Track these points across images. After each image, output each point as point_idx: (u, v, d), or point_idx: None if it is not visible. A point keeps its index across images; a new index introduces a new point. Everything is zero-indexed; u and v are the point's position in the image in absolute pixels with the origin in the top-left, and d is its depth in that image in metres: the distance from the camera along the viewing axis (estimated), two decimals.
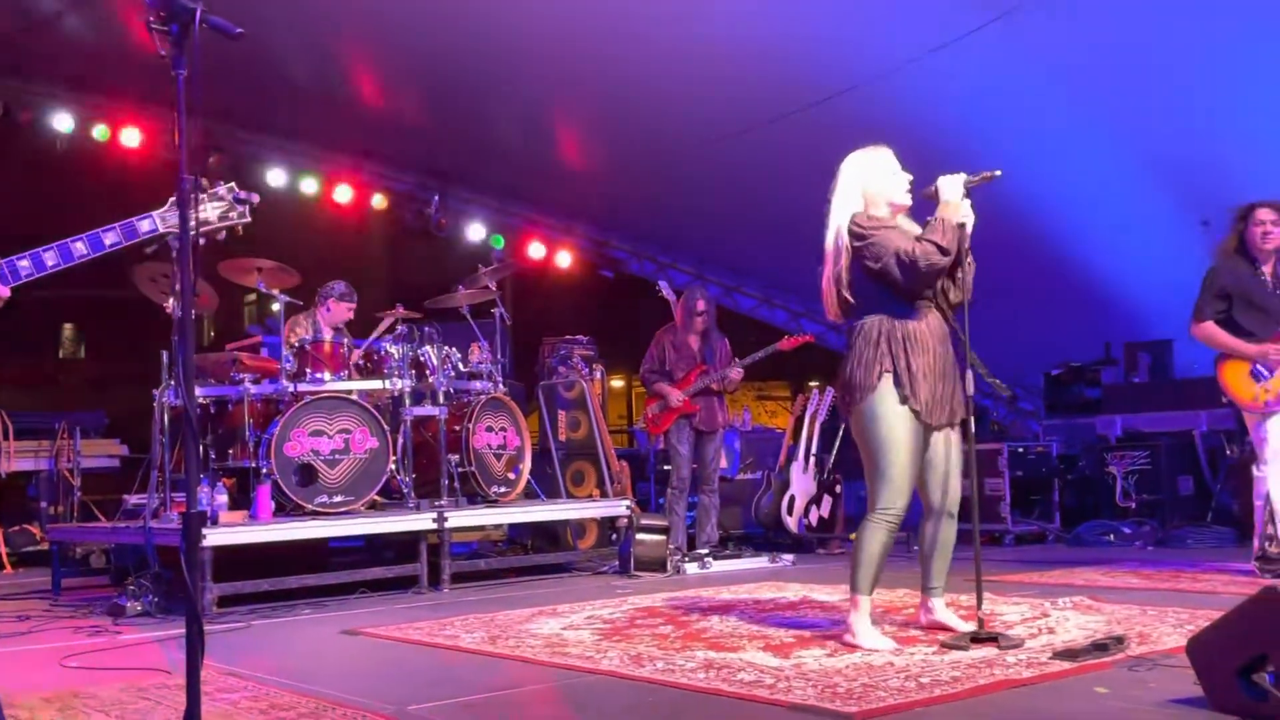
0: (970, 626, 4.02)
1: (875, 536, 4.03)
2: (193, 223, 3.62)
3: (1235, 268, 5.67)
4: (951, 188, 4.12)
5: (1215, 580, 5.59)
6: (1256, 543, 5.54)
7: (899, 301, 4.08)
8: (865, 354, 4.04)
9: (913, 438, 4.02)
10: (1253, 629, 2.79)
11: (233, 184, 3.75)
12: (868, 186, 4.16)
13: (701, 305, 7.59)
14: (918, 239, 4.03)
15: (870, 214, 4.11)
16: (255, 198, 3.72)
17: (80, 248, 3.45)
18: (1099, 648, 3.65)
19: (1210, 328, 5.66)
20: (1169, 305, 9.01)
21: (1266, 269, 5.65)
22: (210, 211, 3.68)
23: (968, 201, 4.11)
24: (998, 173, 4.19)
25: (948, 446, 4.17)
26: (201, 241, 3.67)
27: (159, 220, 3.57)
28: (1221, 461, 8.24)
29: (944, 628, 4.15)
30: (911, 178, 4.21)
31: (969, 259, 4.11)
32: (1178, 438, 8.61)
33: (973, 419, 4.09)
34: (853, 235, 4.06)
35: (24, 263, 3.41)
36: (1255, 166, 8.32)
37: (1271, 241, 5.59)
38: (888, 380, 4.00)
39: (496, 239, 12.02)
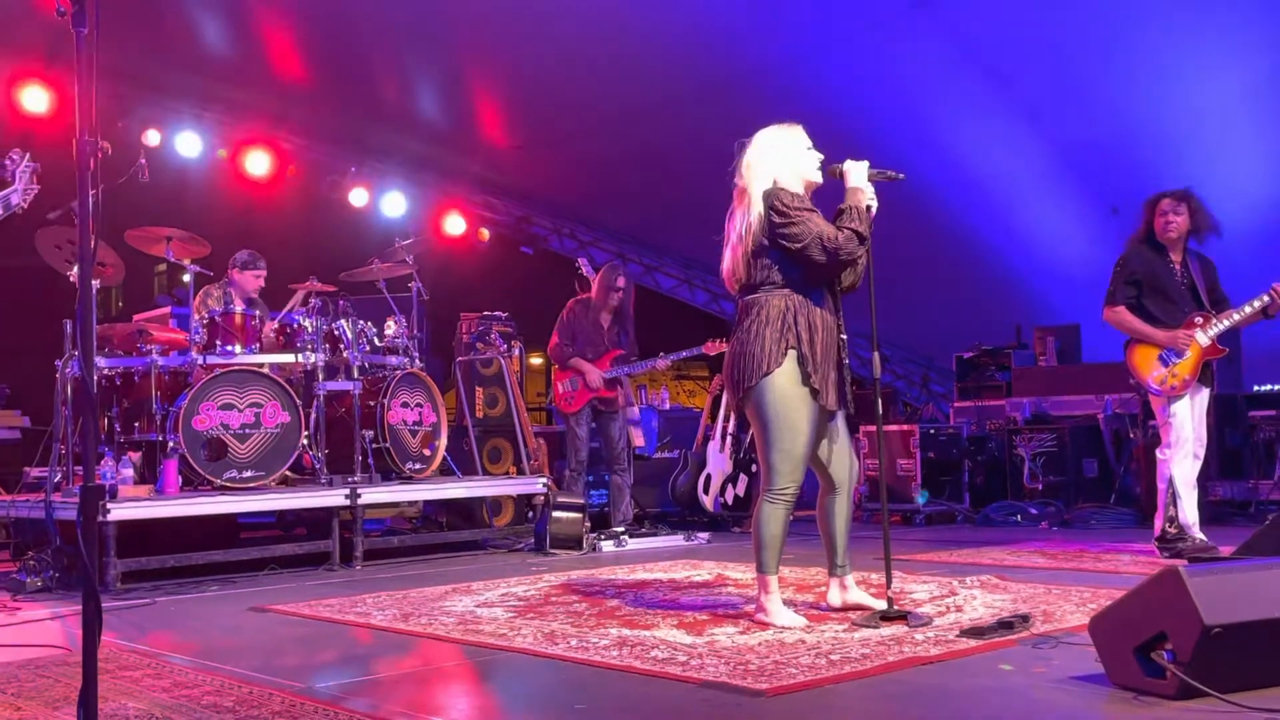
0: (882, 604, 4.06)
1: (776, 517, 4.02)
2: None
3: (1145, 255, 5.79)
4: (859, 174, 4.15)
5: (1117, 560, 5.72)
6: (1159, 524, 5.67)
7: (805, 283, 4.07)
8: (765, 331, 3.99)
9: (813, 416, 4.02)
10: (1152, 608, 2.86)
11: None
12: (786, 161, 4.14)
13: (621, 282, 7.53)
14: (838, 226, 4.03)
15: (790, 191, 4.08)
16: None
17: None
18: (1004, 626, 3.71)
19: (1122, 312, 5.77)
20: (1078, 291, 9.24)
21: (1174, 257, 5.78)
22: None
23: (871, 188, 4.15)
24: (900, 175, 4.23)
25: (841, 423, 4.21)
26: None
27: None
28: (1125, 445, 8.44)
29: (859, 607, 4.17)
30: (822, 157, 4.21)
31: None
32: (1083, 421, 8.81)
33: (880, 400, 4.13)
34: (775, 211, 4.00)
35: None
36: (1163, 155, 8.54)
37: (1173, 230, 5.72)
38: (792, 358, 3.98)
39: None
